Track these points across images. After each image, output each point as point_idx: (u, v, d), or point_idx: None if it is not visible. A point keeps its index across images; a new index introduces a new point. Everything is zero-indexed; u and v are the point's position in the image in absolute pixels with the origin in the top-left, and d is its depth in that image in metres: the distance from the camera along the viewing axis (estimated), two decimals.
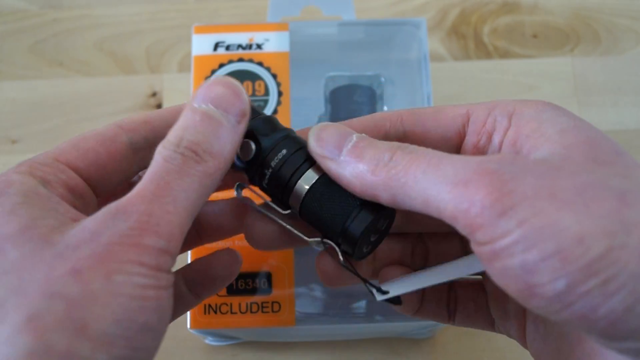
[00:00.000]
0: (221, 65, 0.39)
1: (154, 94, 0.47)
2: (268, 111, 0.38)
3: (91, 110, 0.47)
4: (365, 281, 0.25)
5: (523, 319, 0.26)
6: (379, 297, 0.25)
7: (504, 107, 0.23)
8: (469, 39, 0.49)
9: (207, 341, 0.40)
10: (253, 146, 0.24)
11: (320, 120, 0.38)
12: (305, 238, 0.25)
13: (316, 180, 0.24)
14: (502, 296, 0.26)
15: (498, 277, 0.19)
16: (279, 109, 0.38)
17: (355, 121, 0.26)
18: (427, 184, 0.20)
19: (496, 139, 0.23)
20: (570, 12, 0.50)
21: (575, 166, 0.19)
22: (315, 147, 0.23)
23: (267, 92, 0.38)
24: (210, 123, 0.22)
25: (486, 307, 0.28)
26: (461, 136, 0.24)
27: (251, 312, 0.34)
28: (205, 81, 0.24)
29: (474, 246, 0.19)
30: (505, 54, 0.49)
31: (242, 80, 0.39)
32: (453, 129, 0.24)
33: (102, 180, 0.23)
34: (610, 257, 0.17)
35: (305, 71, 0.39)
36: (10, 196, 0.20)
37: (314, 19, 0.46)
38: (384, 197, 0.22)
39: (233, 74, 0.39)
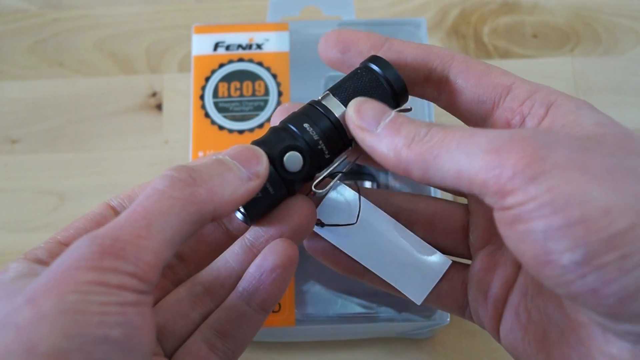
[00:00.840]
0: (221, 65, 0.39)
1: (154, 94, 0.47)
2: (268, 111, 0.38)
3: (91, 110, 0.47)
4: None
5: (502, 307, 0.26)
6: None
7: (545, 95, 0.23)
8: (469, 39, 0.49)
9: None
10: (295, 154, 0.25)
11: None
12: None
13: (338, 100, 0.26)
14: (487, 278, 0.26)
15: (516, 242, 0.19)
16: None
17: (411, 44, 0.26)
18: (460, 155, 0.20)
19: (529, 123, 0.23)
20: (570, 12, 0.50)
21: (607, 150, 0.19)
22: (354, 117, 0.24)
23: (267, 92, 0.38)
24: (219, 165, 0.23)
25: (461, 288, 0.28)
26: (495, 105, 0.24)
27: None
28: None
29: (497, 213, 0.20)
30: (505, 54, 0.49)
31: (242, 80, 0.39)
32: (491, 96, 0.24)
33: None
34: (633, 234, 0.17)
35: (305, 71, 0.39)
36: (5, 276, 0.21)
37: (314, 19, 0.46)
38: (416, 172, 0.22)
39: (233, 74, 0.39)
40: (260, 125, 0.38)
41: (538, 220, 0.18)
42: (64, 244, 0.23)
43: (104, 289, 0.18)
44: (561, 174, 0.18)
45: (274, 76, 0.39)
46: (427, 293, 0.27)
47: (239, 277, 0.25)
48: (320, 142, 0.25)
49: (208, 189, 0.22)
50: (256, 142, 0.25)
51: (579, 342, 0.21)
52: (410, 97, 0.27)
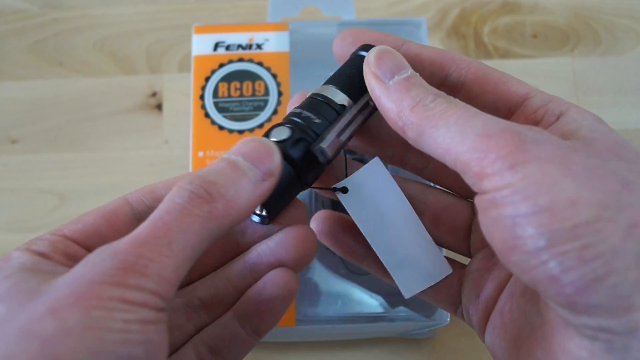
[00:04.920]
0: (221, 65, 0.39)
1: (154, 94, 0.47)
2: (268, 111, 0.38)
3: (91, 110, 0.47)
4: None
5: (492, 307, 0.26)
6: (337, 191, 0.27)
7: (558, 105, 0.24)
8: (469, 39, 0.49)
9: None
10: (279, 127, 0.25)
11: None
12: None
13: (328, 83, 0.26)
14: (482, 279, 0.27)
15: (488, 227, 0.20)
16: (279, 109, 0.38)
17: (428, 48, 0.27)
18: (455, 131, 0.21)
19: None
20: (570, 12, 0.50)
21: (593, 151, 0.20)
22: (372, 63, 0.24)
23: (267, 92, 0.38)
24: (233, 170, 0.22)
25: (457, 285, 0.28)
26: (511, 112, 0.25)
27: None
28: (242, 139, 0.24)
29: (476, 197, 0.20)
30: (505, 54, 0.49)
31: (242, 81, 0.39)
32: (506, 104, 0.25)
33: None
34: (596, 226, 0.18)
35: (305, 71, 0.39)
36: (7, 268, 0.20)
37: (314, 19, 0.46)
38: (410, 134, 0.23)
39: (233, 74, 0.39)
40: (260, 125, 0.38)
41: (509, 206, 0.19)
42: (71, 239, 0.23)
43: (127, 306, 0.18)
44: (539, 166, 0.19)
45: (274, 76, 0.39)
46: (418, 291, 0.27)
47: (238, 297, 0.25)
48: (304, 111, 0.25)
49: (225, 203, 0.21)
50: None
51: (544, 338, 0.22)
52: None
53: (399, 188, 0.27)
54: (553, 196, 0.18)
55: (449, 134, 0.21)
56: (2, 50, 0.49)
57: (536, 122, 0.24)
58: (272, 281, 0.24)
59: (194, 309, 0.25)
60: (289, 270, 0.25)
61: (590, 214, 0.18)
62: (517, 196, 0.19)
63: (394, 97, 0.23)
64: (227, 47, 0.39)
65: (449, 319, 0.35)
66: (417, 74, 0.24)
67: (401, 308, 0.36)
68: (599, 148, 0.20)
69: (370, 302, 0.36)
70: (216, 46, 0.39)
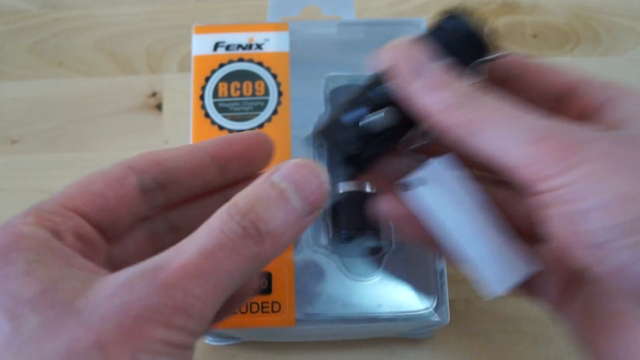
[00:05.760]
0: (221, 65, 0.39)
1: (154, 94, 0.47)
2: (268, 111, 0.38)
3: (91, 110, 0.47)
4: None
5: (573, 287, 0.25)
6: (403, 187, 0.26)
7: (616, 90, 0.24)
8: None
9: (207, 341, 0.40)
10: (382, 114, 0.24)
11: (320, 119, 0.38)
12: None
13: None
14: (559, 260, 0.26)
15: (549, 224, 0.20)
16: (279, 109, 0.38)
17: None
18: (502, 135, 0.21)
19: (599, 114, 0.24)
20: (570, 12, 0.50)
21: None
22: (398, 53, 0.23)
23: (267, 92, 0.38)
24: (284, 205, 0.21)
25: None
26: (559, 103, 0.25)
27: (251, 312, 0.34)
28: (293, 160, 0.22)
29: (532, 198, 0.21)
30: None
31: (242, 81, 0.39)
32: (554, 94, 0.25)
33: (112, 224, 0.22)
34: None
35: (305, 71, 0.39)
36: (23, 253, 0.19)
37: (314, 19, 0.46)
38: (458, 134, 0.22)
39: (233, 74, 0.39)
40: (260, 125, 0.38)
41: (570, 203, 0.19)
42: (80, 214, 0.22)
43: (170, 349, 0.18)
44: (595, 165, 0.19)
45: (274, 76, 0.39)
46: (510, 285, 0.25)
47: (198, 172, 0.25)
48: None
49: (272, 243, 0.21)
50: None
51: (619, 329, 0.22)
52: None
53: (474, 183, 0.26)
54: (613, 192, 0.19)
55: (495, 138, 0.21)
56: (2, 50, 0.49)
57: (588, 111, 0.24)
58: (248, 133, 0.26)
59: (149, 190, 0.24)
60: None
61: None
62: (576, 194, 0.19)
63: (433, 98, 0.22)
64: (227, 47, 0.39)
65: (449, 319, 0.35)
66: (450, 64, 0.23)
67: (401, 308, 0.36)
68: None
69: (370, 302, 0.36)
70: (216, 46, 0.39)
